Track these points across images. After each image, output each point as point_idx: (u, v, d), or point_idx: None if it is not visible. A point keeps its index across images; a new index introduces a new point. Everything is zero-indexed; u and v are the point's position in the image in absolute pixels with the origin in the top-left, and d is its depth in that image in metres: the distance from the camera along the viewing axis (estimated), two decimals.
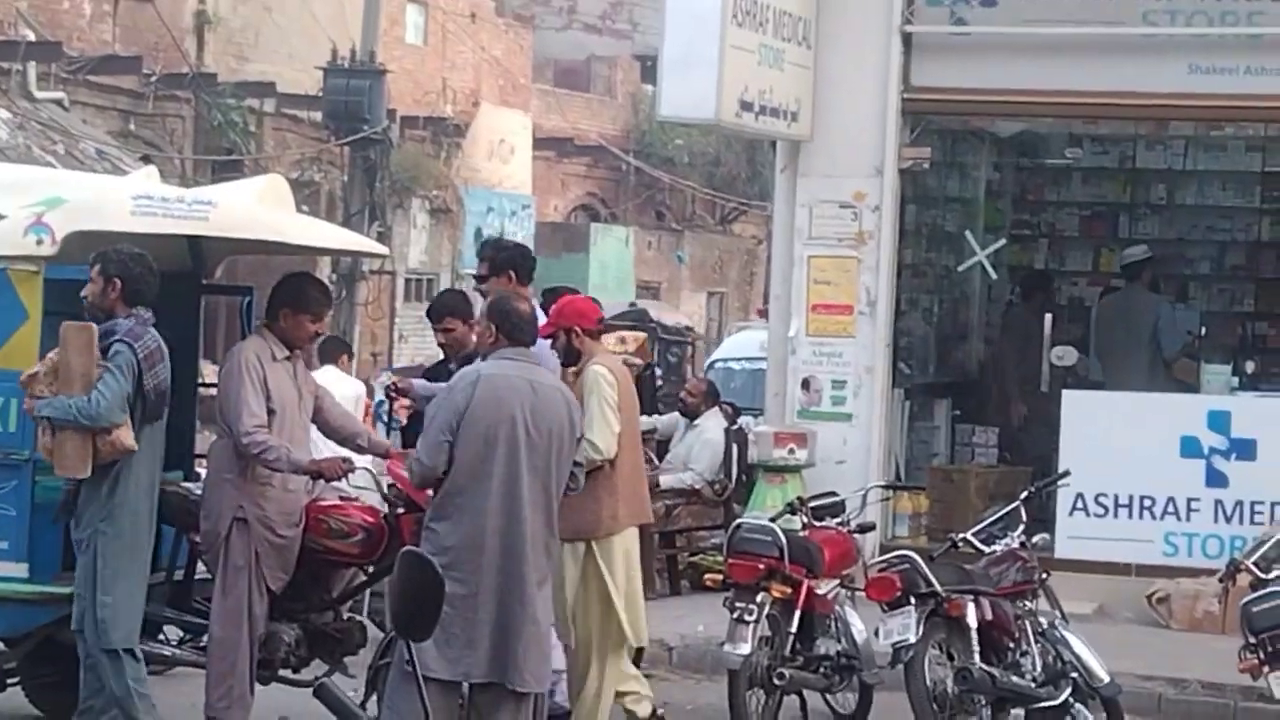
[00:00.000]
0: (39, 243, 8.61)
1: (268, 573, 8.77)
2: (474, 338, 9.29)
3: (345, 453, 9.35)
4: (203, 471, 9.59)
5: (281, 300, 9.01)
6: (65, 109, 24.86)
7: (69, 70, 25.23)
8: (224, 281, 10.57)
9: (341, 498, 9.07)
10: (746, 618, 9.60)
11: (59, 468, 8.35)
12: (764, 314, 22.19)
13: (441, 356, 10.63)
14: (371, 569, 9.09)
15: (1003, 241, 16.12)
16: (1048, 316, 15.72)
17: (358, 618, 9.24)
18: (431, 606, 4.63)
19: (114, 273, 8.49)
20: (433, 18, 34.90)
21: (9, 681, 9.28)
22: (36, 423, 8.42)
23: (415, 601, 4.69)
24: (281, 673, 9.02)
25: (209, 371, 10.89)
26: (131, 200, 8.83)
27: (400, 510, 8.70)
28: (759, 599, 9.65)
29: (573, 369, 9.27)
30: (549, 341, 9.16)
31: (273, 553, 8.78)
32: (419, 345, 29.03)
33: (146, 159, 23.59)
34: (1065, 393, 13.90)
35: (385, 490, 9.09)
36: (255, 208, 9.45)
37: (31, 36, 24.52)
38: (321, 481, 8.95)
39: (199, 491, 9.05)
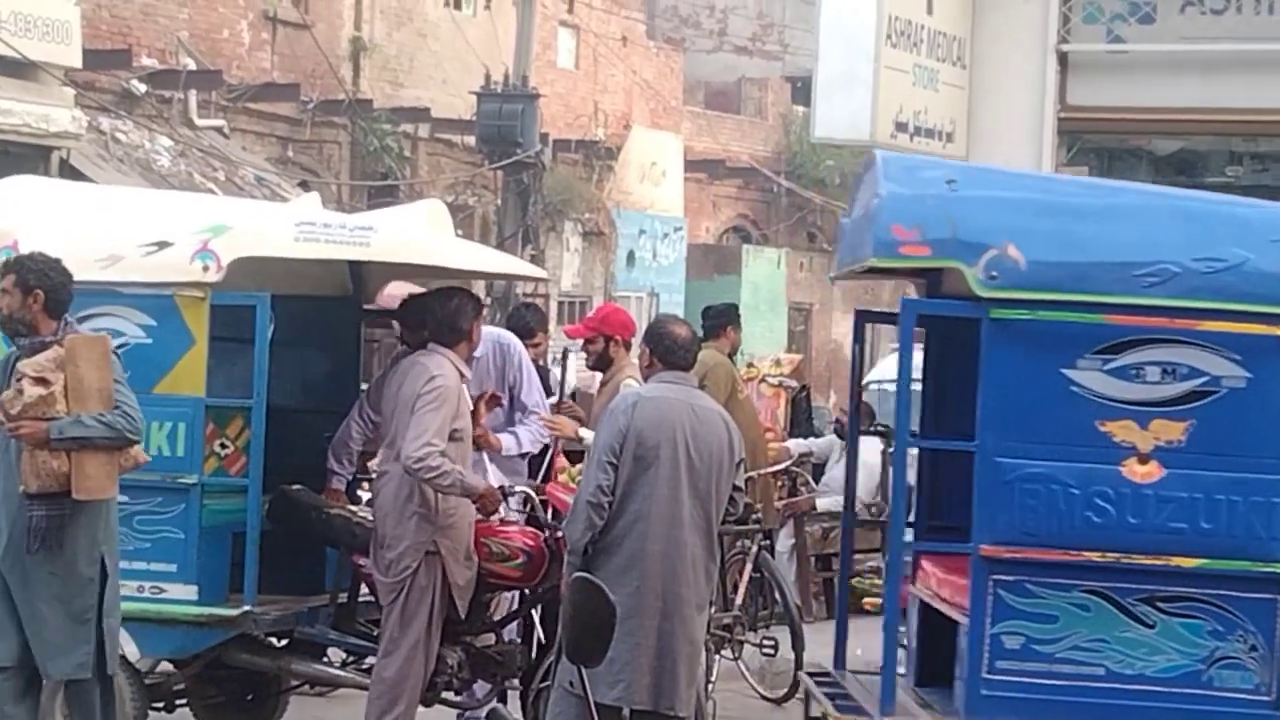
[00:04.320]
0: (205, 269, 8.70)
1: (459, 604, 8.76)
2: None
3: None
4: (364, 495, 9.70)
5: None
6: (225, 136, 25.23)
7: (229, 98, 25.59)
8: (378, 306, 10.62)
9: (503, 521, 9.11)
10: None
11: (82, 491, 7.75)
12: None
13: None
14: (531, 592, 9.13)
15: None
16: None
17: (518, 641, 9.30)
18: (604, 632, 4.65)
19: (34, 284, 7.90)
20: (584, 42, 35.08)
21: (178, 703, 9.45)
22: (42, 447, 7.68)
23: (587, 627, 4.71)
24: (445, 695, 9.09)
25: None
26: (295, 227, 8.92)
27: (560, 534, 8.73)
28: None
29: (602, 375, 9.93)
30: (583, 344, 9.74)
31: (461, 585, 8.76)
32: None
33: (305, 185, 23.89)
34: None
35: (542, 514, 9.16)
36: (415, 233, 9.58)
37: (192, 65, 24.89)
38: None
39: (361, 515, 9.14)
